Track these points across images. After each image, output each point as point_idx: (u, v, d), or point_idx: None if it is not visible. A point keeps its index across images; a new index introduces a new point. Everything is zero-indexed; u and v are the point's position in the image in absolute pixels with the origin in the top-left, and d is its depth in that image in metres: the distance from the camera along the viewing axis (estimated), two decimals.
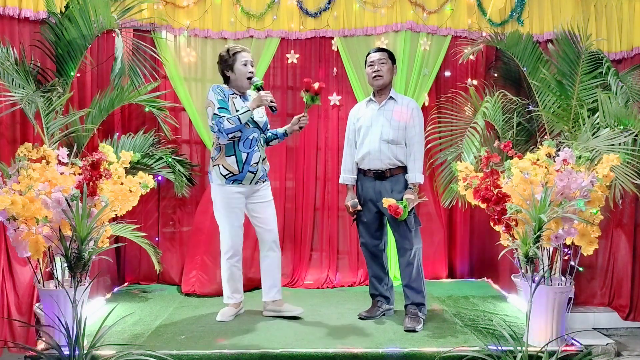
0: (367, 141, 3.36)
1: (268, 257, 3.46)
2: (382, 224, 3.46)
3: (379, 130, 3.33)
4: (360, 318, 3.45)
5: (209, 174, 3.39)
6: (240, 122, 3.14)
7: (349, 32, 4.41)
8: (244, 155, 3.26)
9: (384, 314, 3.51)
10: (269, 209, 3.45)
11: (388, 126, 3.32)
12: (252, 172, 3.30)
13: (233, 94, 3.31)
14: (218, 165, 3.28)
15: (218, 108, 3.18)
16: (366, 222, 3.44)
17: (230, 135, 3.17)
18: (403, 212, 3.15)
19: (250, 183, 3.32)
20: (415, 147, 3.32)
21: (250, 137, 3.27)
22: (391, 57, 3.39)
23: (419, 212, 4.32)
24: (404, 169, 3.34)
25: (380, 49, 3.41)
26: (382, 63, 3.33)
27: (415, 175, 3.30)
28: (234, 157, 3.25)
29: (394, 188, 3.32)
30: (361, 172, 3.45)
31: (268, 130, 3.46)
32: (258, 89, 3.24)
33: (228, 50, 3.31)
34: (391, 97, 3.38)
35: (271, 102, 3.18)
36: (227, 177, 3.27)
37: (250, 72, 3.28)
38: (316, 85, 3.17)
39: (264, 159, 3.38)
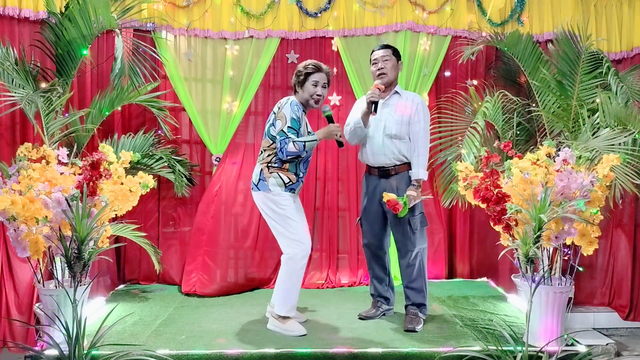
0: (371, 135, 3.33)
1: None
2: (386, 224, 3.42)
3: (382, 125, 3.29)
4: (360, 318, 3.45)
5: (261, 181, 3.20)
6: (304, 149, 3.12)
7: (349, 32, 4.41)
8: (301, 174, 3.27)
9: (383, 314, 3.50)
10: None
11: (391, 121, 3.28)
12: (301, 182, 3.31)
13: (304, 112, 3.26)
14: (277, 174, 3.19)
15: (288, 127, 3.12)
16: (370, 223, 3.41)
17: (289, 158, 3.15)
18: (403, 208, 3.12)
19: (296, 193, 3.32)
20: (419, 143, 3.26)
21: (309, 158, 3.32)
22: (395, 53, 3.35)
23: None
24: (409, 166, 3.30)
25: (384, 46, 3.37)
26: (386, 60, 3.29)
27: (418, 172, 3.24)
28: (294, 173, 3.23)
29: (400, 186, 3.27)
30: (367, 171, 3.43)
31: None
32: (329, 119, 3.19)
33: (305, 66, 3.23)
34: (396, 92, 3.35)
35: (339, 137, 3.16)
36: (287, 184, 3.20)
37: (317, 95, 3.20)
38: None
39: None
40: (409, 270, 3.31)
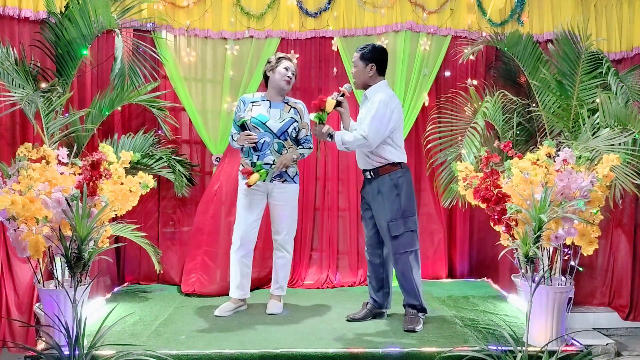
0: None
1: (274, 255, 3.67)
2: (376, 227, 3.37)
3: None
4: (347, 320, 3.40)
5: None
6: (232, 146, 3.57)
7: (349, 32, 4.41)
8: (254, 158, 3.45)
9: (373, 317, 3.44)
10: (281, 211, 3.54)
11: (360, 125, 3.23)
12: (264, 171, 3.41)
13: (257, 101, 3.50)
14: (241, 162, 3.55)
15: (234, 120, 3.55)
16: (364, 225, 3.42)
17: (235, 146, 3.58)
18: (261, 175, 3.32)
19: (263, 181, 3.41)
20: (362, 126, 3.12)
21: (262, 141, 3.43)
22: (364, 56, 3.19)
23: (419, 212, 4.32)
24: (389, 168, 3.21)
25: (358, 49, 3.25)
26: (354, 66, 3.25)
27: (338, 134, 3.19)
28: (249, 158, 3.47)
29: (381, 189, 3.21)
30: None
31: (290, 135, 3.48)
32: (243, 126, 3.46)
33: (276, 57, 3.53)
34: (366, 96, 3.27)
35: (248, 142, 3.39)
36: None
37: (287, 77, 3.45)
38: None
39: None
40: (396, 272, 3.32)
